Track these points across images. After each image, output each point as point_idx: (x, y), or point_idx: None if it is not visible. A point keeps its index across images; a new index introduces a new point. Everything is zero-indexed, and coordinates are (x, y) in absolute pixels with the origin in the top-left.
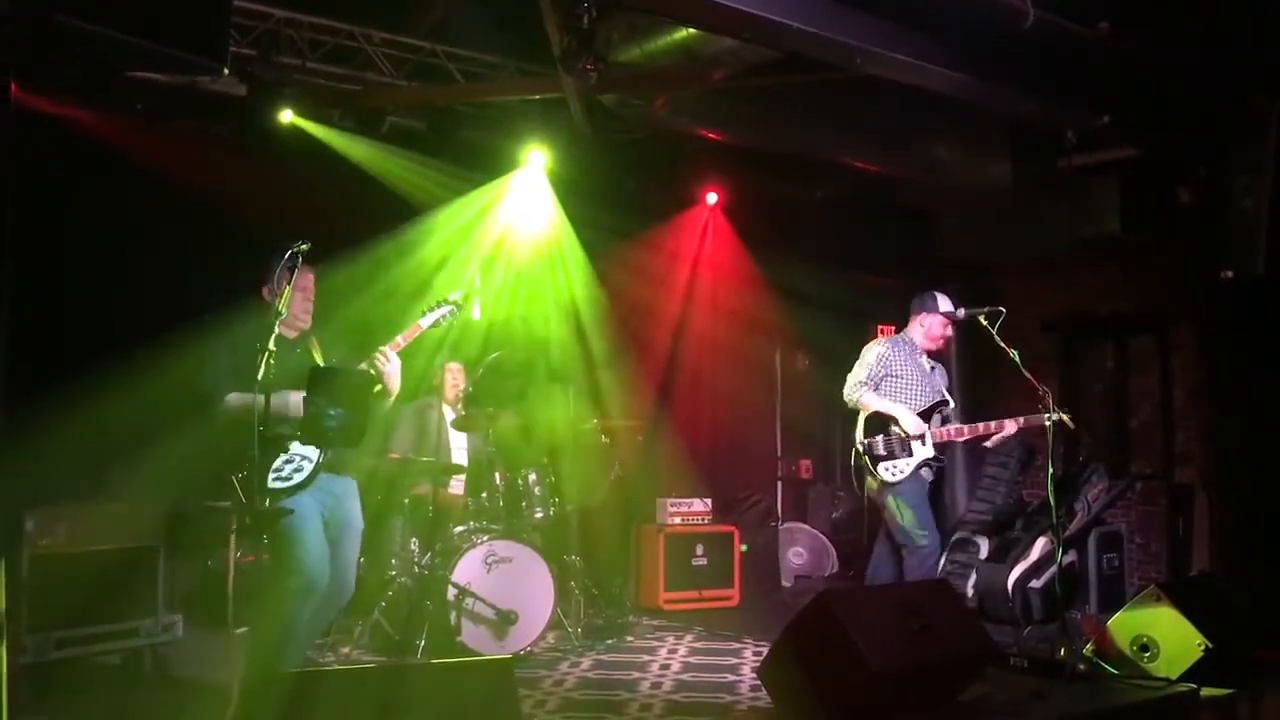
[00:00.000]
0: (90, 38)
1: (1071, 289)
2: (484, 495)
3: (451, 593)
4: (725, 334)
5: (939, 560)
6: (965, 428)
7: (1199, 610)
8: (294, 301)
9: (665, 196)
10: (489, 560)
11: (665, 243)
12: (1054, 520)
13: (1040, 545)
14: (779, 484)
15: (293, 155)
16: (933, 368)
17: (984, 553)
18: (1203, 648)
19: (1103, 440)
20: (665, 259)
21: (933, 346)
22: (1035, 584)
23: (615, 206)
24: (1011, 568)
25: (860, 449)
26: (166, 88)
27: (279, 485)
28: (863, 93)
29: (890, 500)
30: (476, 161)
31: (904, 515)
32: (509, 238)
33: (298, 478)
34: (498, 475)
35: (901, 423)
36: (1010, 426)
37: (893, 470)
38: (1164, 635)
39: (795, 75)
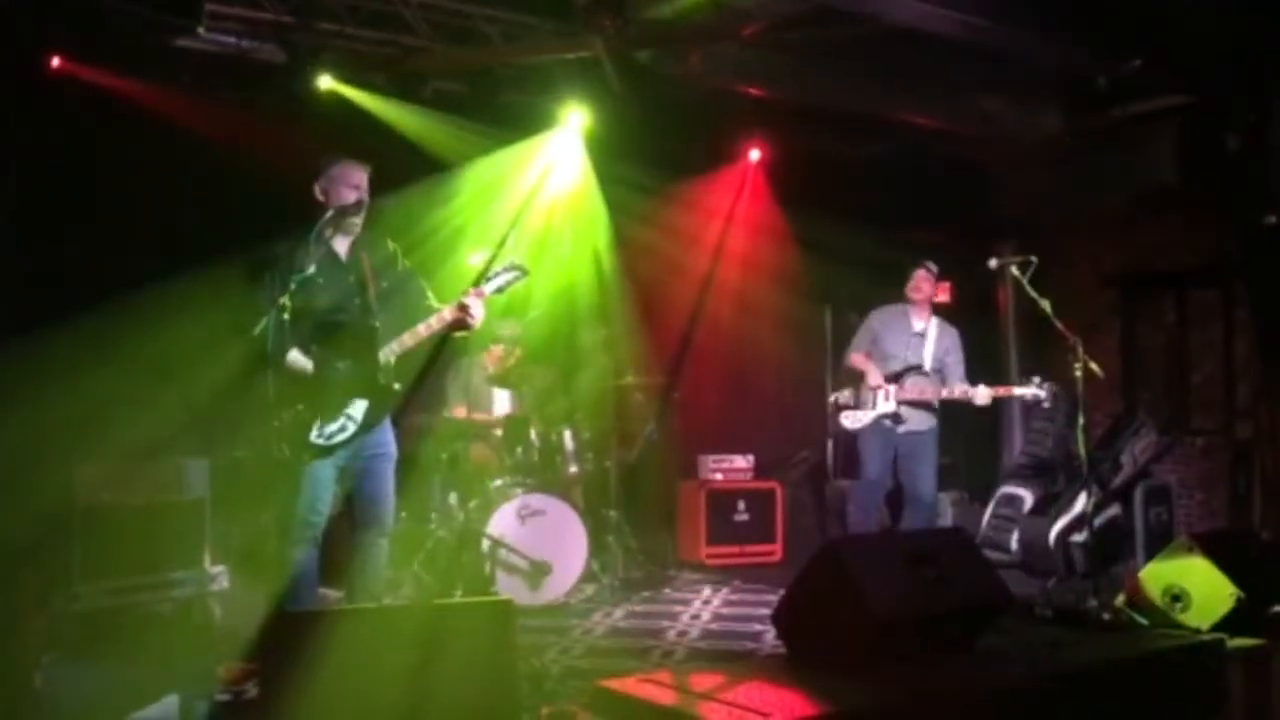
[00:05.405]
0: None
1: (1129, 243)
2: (520, 450)
3: (486, 544)
4: (771, 293)
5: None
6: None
7: (1232, 561)
8: (347, 198)
9: (706, 154)
10: (522, 513)
11: (704, 200)
12: (1084, 470)
13: (1083, 498)
14: (830, 441)
15: (335, 121)
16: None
17: (1028, 506)
18: (1235, 598)
19: (1163, 395)
20: (703, 216)
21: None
22: (1078, 537)
23: (654, 165)
24: (1054, 521)
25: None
26: (210, 57)
27: (320, 443)
28: (907, 44)
29: None
30: (517, 123)
31: None
32: (544, 196)
33: (340, 437)
34: (533, 432)
35: None
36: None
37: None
38: (1196, 585)
39: (827, 28)
